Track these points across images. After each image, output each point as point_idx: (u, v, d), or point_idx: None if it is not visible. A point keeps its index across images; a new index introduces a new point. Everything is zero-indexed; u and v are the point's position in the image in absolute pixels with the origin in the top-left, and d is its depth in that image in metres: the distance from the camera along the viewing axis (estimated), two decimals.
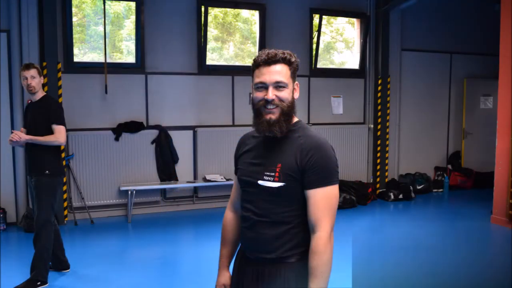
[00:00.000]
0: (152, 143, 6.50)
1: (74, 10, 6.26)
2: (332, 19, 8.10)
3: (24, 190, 5.87)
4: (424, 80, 8.25)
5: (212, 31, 7.18)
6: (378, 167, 7.85)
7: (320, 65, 7.64)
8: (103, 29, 6.18)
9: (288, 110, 1.72)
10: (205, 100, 6.83)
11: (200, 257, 4.88)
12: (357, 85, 7.84)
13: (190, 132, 6.77)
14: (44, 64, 5.76)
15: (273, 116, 1.71)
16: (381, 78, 7.69)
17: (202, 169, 6.79)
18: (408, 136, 8.22)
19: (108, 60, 6.25)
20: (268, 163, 1.73)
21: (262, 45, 7.02)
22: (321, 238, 1.66)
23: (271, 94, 1.70)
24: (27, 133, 3.94)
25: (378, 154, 7.85)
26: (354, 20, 7.91)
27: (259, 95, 1.72)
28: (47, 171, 3.92)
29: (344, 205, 6.91)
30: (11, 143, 3.90)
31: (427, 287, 4.08)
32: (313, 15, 7.40)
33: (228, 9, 7.17)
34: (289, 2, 7.20)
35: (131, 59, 6.64)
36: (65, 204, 6.07)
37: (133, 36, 6.51)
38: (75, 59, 6.22)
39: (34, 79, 3.94)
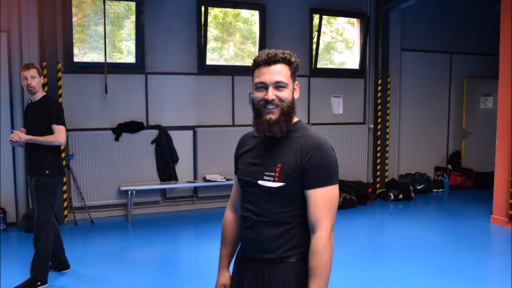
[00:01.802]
0: (152, 143, 6.50)
1: (74, 10, 6.26)
2: (332, 19, 8.10)
3: (24, 190, 5.88)
4: (424, 80, 8.25)
5: (212, 31, 7.18)
6: (378, 167, 7.85)
7: (320, 65, 7.64)
8: (103, 29, 6.18)
9: (288, 110, 1.72)
10: (205, 100, 6.83)
11: (200, 257, 4.88)
12: (357, 85, 7.84)
13: (190, 132, 6.77)
14: (44, 64, 5.76)
15: (273, 116, 1.71)
16: (381, 78, 7.69)
17: (202, 169, 6.79)
18: (408, 136, 8.22)
19: (108, 60, 6.25)
20: (268, 163, 1.73)
21: (262, 45, 7.02)
22: (321, 238, 1.66)
23: (271, 94, 1.70)
24: (27, 133, 3.94)
25: (378, 154, 7.85)
26: (354, 20, 7.91)
27: (259, 95, 1.72)
28: (47, 171, 3.92)
29: (344, 205, 6.91)
30: (11, 143, 3.90)
31: (427, 287, 4.08)
32: (313, 15, 7.40)
33: (228, 9, 7.17)
34: (289, 2, 7.20)
35: (131, 59, 6.64)
36: (65, 204, 6.07)
37: (133, 36, 6.51)
38: (75, 59, 6.22)
39: (34, 79, 3.94)
